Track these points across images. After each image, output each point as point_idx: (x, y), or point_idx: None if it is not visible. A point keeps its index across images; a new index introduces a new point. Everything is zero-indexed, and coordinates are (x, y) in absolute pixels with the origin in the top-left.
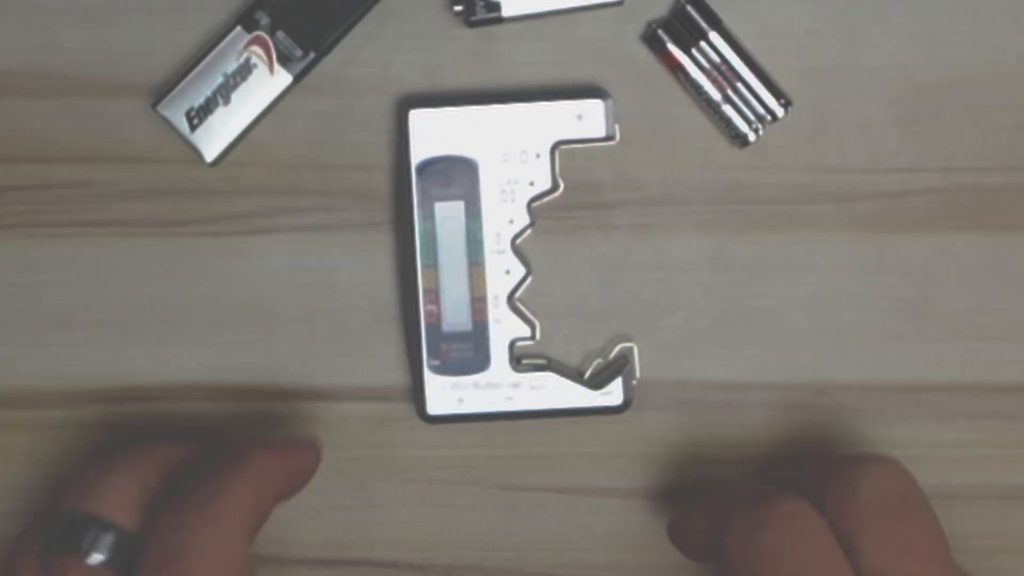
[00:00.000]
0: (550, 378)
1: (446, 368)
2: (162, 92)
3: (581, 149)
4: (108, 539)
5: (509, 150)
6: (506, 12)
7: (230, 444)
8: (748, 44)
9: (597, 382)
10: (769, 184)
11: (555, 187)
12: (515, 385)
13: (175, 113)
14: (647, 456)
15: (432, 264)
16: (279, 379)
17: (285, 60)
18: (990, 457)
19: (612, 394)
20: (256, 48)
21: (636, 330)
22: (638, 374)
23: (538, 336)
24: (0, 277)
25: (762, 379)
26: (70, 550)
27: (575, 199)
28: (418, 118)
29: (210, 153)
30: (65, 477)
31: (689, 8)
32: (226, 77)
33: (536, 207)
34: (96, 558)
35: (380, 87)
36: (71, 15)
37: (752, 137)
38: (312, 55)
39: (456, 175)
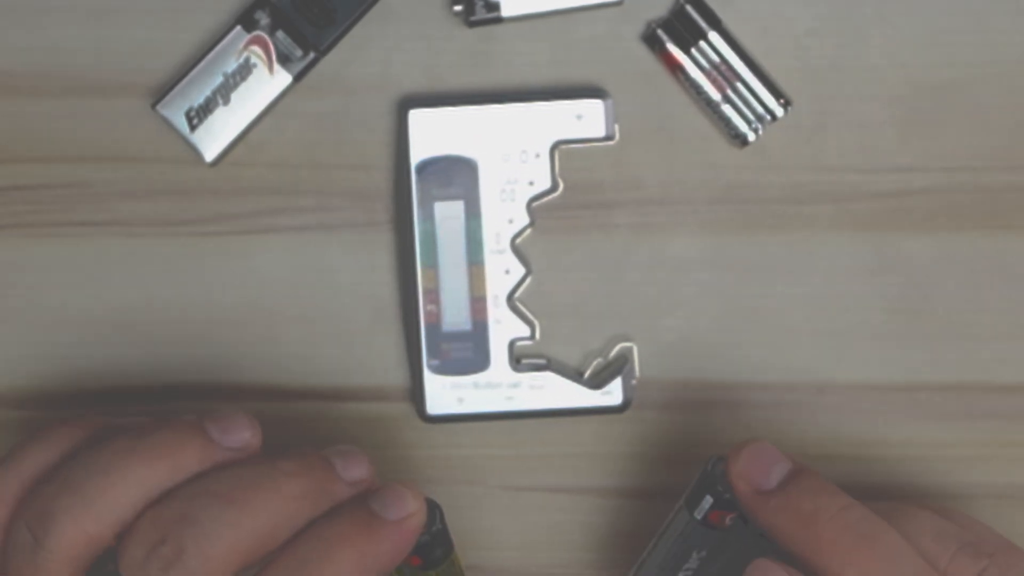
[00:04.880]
0: (550, 378)
1: (446, 368)
2: (162, 92)
3: (581, 149)
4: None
5: (509, 150)
6: (506, 12)
7: (319, 536)
8: (748, 44)
9: (597, 382)
10: (769, 184)
11: (555, 187)
12: (515, 385)
13: (175, 113)
14: (647, 456)
15: (432, 264)
16: (279, 379)
17: (285, 60)
18: (990, 457)
19: (612, 394)
20: (256, 48)
21: (636, 330)
22: (638, 374)
23: (538, 336)
24: (0, 277)
25: (762, 379)
26: None
27: (575, 199)
28: (418, 118)
29: (210, 153)
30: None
31: (689, 8)
32: (226, 77)
33: (536, 207)
34: None
35: (380, 87)
36: (71, 15)
37: (752, 137)
38: (312, 55)
39: (456, 175)
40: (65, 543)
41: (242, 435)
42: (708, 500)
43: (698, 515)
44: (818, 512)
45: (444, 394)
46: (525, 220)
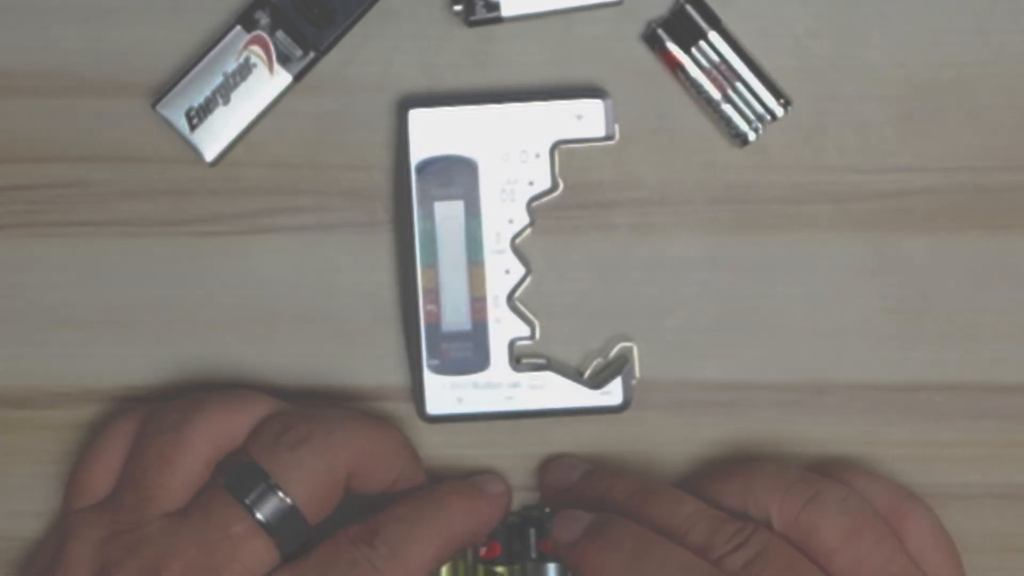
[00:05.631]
0: (550, 378)
1: (446, 368)
2: (162, 92)
3: (581, 149)
4: (274, 503)
5: (509, 150)
6: (506, 12)
7: (430, 488)
8: (748, 44)
9: (597, 382)
10: (769, 184)
11: (555, 187)
12: (515, 385)
13: (175, 113)
14: (647, 456)
15: (432, 264)
16: (279, 379)
17: (285, 60)
18: (990, 457)
19: (612, 394)
20: (256, 48)
21: (636, 330)
22: (638, 374)
23: (538, 336)
24: (0, 277)
25: (762, 379)
26: (236, 494)
27: (575, 199)
28: (418, 118)
29: (210, 153)
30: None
31: (689, 8)
32: (226, 77)
33: (536, 207)
34: (258, 516)
35: (380, 87)
36: (71, 15)
37: (752, 136)
38: (312, 55)
39: (456, 175)
40: (207, 424)
41: None
42: (532, 533)
43: (532, 555)
44: (611, 487)
45: (444, 394)
46: (525, 220)
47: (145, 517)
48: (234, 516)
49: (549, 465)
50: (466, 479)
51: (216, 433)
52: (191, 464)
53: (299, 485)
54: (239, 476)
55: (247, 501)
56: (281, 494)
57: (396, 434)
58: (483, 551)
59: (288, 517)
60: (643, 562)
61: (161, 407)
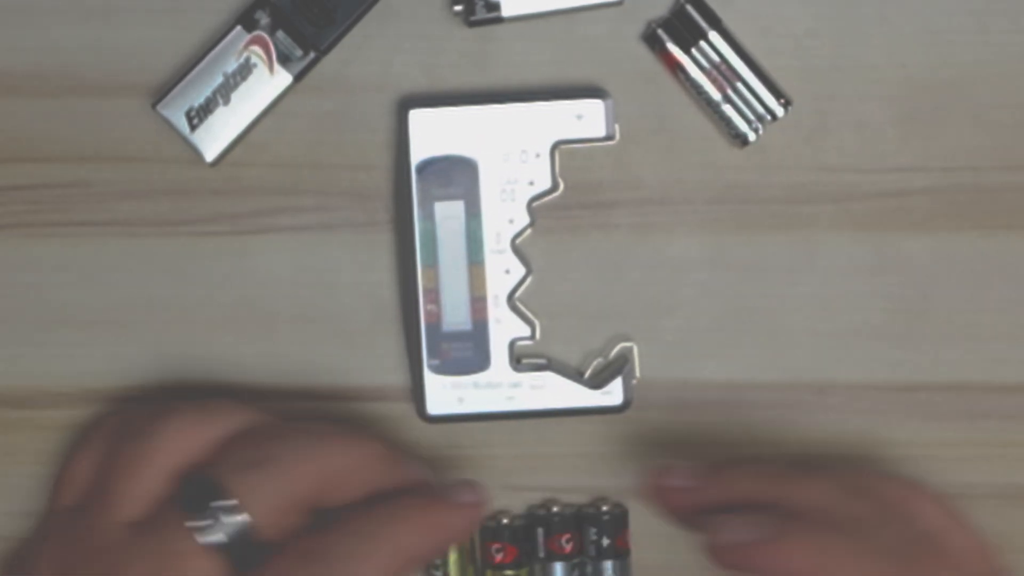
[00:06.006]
0: (550, 378)
1: (446, 368)
2: (162, 92)
3: (581, 149)
4: (229, 522)
5: (509, 150)
6: (506, 12)
7: (390, 501)
8: (748, 44)
9: (597, 382)
10: (769, 184)
11: (555, 187)
12: (515, 385)
13: (175, 113)
14: (647, 456)
15: (432, 264)
16: (279, 379)
17: (285, 60)
18: (990, 457)
19: (612, 394)
20: (256, 48)
21: (636, 330)
22: (638, 374)
23: (538, 336)
24: (0, 277)
25: (762, 379)
26: (190, 511)
27: (575, 199)
28: (418, 118)
29: (210, 153)
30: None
31: (689, 8)
32: (226, 77)
33: (536, 207)
34: (213, 537)
35: (380, 87)
36: (71, 15)
37: (752, 137)
38: (312, 55)
39: (456, 175)
40: (173, 434)
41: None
42: (540, 532)
43: (540, 554)
44: (736, 481)
45: (444, 394)
46: (525, 220)
47: (107, 524)
48: (184, 533)
49: (651, 479)
50: (437, 485)
51: (181, 445)
52: (153, 474)
53: (257, 505)
54: (196, 492)
55: (200, 519)
56: (237, 514)
57: (373, 447)
58: (498, 557)
59: (242, 536)
60: (830, 553)
61: (132, 412)
